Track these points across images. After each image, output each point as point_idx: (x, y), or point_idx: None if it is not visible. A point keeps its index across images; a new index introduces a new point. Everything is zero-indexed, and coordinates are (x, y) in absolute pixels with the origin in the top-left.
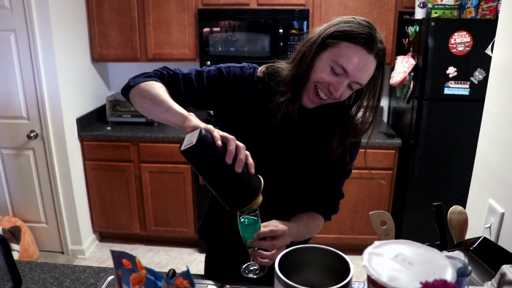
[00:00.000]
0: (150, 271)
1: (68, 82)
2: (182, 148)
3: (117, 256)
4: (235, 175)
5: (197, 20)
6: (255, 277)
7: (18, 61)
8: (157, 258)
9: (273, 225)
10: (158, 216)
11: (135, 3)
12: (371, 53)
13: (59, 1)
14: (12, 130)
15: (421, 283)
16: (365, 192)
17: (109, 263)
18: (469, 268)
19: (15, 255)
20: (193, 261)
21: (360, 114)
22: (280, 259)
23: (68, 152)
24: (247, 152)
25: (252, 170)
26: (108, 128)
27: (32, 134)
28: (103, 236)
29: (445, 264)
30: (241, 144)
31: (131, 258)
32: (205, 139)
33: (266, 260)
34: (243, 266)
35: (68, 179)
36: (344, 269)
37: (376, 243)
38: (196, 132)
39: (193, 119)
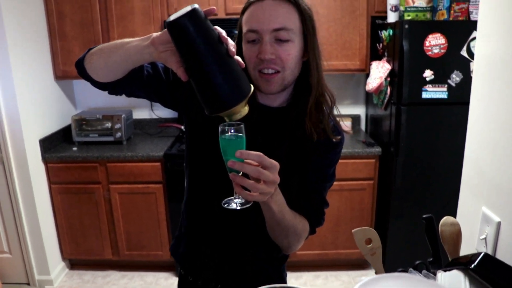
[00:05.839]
0: None
1: (29, 102)
2: (172, 18)
3: None
4: (226, 63)
5: None
6: (238, 208)
7: None
8: (131, 285)
9: None
10: (131, 240)
11: (98, 17)
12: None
13: (16, 17)
14: None
15: None
16: (347, 204)
17: None
18: None
19: None
20: (170, 285)
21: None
22: None
23: (31, 175)
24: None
25: (242, 63)
26: (74, 148)
27: None
28: (73, 264)
29: None
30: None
31: None
32: (198, 12)
33: (249, 193)
34: (225, 200)
35: (32, 205)
36: None
37: (364, 279)
38: (188, 7)
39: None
